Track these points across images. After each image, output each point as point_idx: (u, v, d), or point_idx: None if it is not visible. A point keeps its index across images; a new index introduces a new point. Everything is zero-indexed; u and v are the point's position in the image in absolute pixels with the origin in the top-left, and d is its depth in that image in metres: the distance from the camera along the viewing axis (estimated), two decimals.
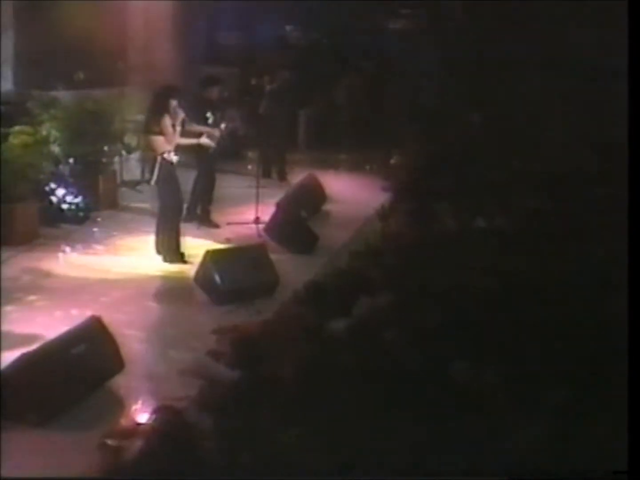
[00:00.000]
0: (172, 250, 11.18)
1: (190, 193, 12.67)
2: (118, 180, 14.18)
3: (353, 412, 6.40)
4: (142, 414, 7.02)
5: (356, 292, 9.36)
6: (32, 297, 9.81)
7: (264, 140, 15.09)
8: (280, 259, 11.02)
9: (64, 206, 12.47)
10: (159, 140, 10.95)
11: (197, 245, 11.47)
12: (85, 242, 11.85)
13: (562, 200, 13.52)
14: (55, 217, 12.30)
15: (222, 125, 12.75)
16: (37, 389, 6.96)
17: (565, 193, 13.96)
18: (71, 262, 11.17)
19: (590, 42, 16.16)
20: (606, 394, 6.86)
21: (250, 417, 6.49)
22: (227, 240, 11.91)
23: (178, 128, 11.09)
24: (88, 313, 8.61)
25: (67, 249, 11.45)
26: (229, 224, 12.81)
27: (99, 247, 11.79)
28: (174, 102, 11.01)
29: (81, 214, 12.64)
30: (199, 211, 12.96)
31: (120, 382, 7.67)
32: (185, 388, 7.58)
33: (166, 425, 6.35)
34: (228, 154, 14.51)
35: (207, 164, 12.85)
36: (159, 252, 11.22)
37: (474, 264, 10.43)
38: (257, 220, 12.60)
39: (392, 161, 16.79)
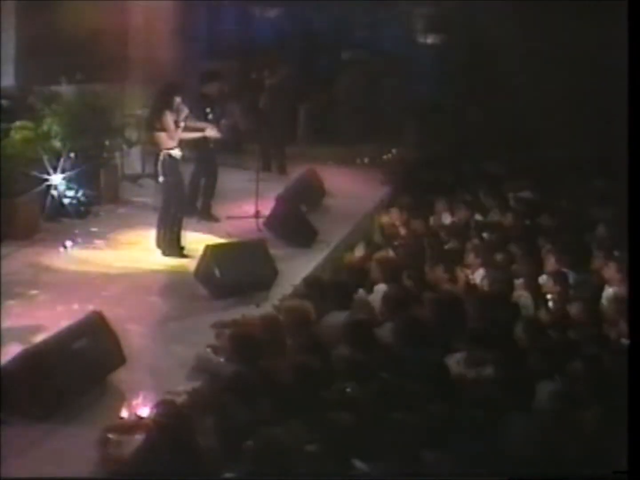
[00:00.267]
0: (172, 244, 11.25)
1: (190, 187, 12.70)
2: (119, 174, 14.19)
3: (352, 405, 6.46)
4: (143, 408, 7.07)
5: (355, 286, 9.44)
6: (33, 292, 9.85)
7: (264, 134, 15.11)
8: (280, 253, 11.06)
9: (65, 200, 12.46)
10: (161, 137, 11.04)
11: (197, 239, 11.52)
12: (86, 236, 11.83)
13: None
14: (56, 211, 12.31)
15: (222, 121, 12.79)
16: (38, 384, 7.03)
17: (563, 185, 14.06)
18: (72, 256, 11.18)
19: (590, 35, 16.19)
20: (606, 394, 6.92)
21: (250, 411, 6.56)
22: (227, 234, 11.94)
23: (182, 124, 11.15)
24: (89, 307, 8.70)
25: (68, 243, 11.45)
26: (229, 218, 12.85)
27: (100, 242, 11.79)
28: (178, 99, 11.08)
29: (82, 208, 12.63)
30: (199, 205, 12.99)
31: (121, 377, 7.73)
32: (186, 382, 7.68)
33: (167, 419, 6.41)
34: (228, 148, 14.54)
35: (209, 159, 12.88)
36: (159, 246, 11.29)
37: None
38: (257, 214, 12.63)
39: (391, 155, 16.81)
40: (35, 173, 11.87)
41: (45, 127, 12.52)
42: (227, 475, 5.87)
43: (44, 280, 10.25)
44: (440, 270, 9.97)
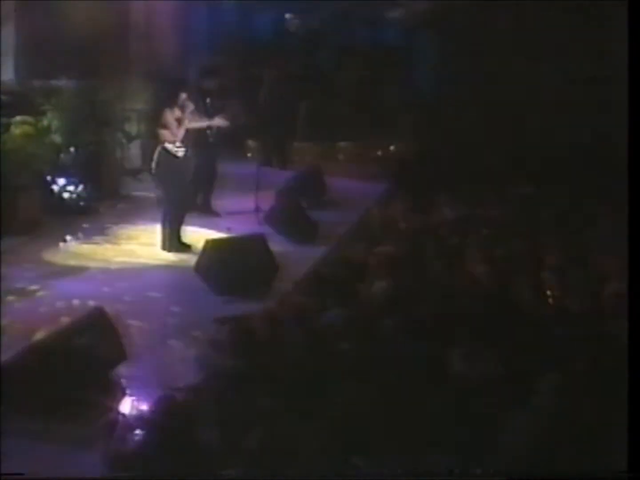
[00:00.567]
0: (173, 240, 11.26)
1: (190, 182, 12.70)
2: (119, 169, 14.20)
3: (352, 400, 6.47)
4: (144, 404, 7.09)
5: (355, 282, 9.45)
6: (33, 287, 9.88)
7: (264, 129, 15.12)
8: (280, 248, 11.07)
9: (65, 195, 12.50)
10: (164, 134, 11.08)
11: (197, 234, 11.53)
12: (86, 231, 11.87)
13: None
14: (56, 206, 12.33)
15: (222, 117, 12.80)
16: (40, 380, 7.04)
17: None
18: (73, 251, 11.21)
19: (590, 28, 16.20)
20: (606, 390, 6.92)
21: (250, 407, 6.57)
22: (228, 230, 11.95)
23: (186, 121, 11.17)
24: (90, 303, 8.72)
25: (69, 238, 11.48)
26: (229, 213, 12.86)
27: (100, 237, 11.81)
28: (183, 95, 11.09)
29: (82, 203, 12.66)
30: (199, 200, 13.00)
31: (122, 372, 7.74)
32: (186, 378, 7.69)
33: (167, 415, 6.43)
34: (228, 143, 14.54)
35: (208, 153, 12.88)
36: (162, 242, 11.30)
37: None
38: (257, 210, 12.64)
39: (391, 150, 16.82)
40: (35, 168, 11.89)
41: (45, 122, 12.54)
42: (227, 471, 5.87)
43: (44, 275, 10.25)
44: (440, 266, 9.98)
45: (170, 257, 11.14)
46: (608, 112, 14.62)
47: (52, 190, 12.41)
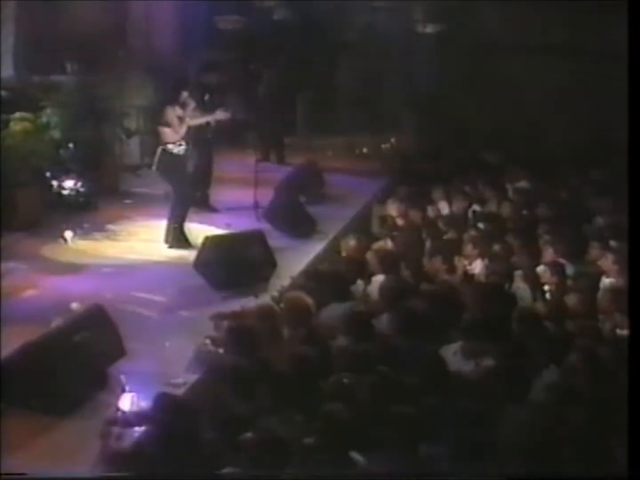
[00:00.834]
0: (175, 236, 11.29)
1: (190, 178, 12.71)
2: (118, 165, 14.20)
3: (350, 397, 6.49)
4: (143, 400, 7.11)
5: (353, 278, 9.47)
6: (32, 283, 9.90)
7: (263, 124, 15.12)
8: (279, 244, 11.08)
9: (65, 192, 12.50)
10: (166, 132, 11.11)
11: (196, 230, 11.55)
12: (85, 227, 11.87)
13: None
14: (55, 202, 12.34)
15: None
16: (39, 376, 7.07)
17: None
18: (72, 248, 11.23)
19: (590, 25, 16.21)
20: (604, 386, 6.94)
21: (249, 403, 6.60)
22: (227, 226, 11.96)
23: (188, 119, 11.20)
24: (89, 299, 8.74)
25: (68, 234, 11.49)
26: (228, 209, 12.87)
27: (99, 233, 11.82)
28: (184, 93, 11.12)
29: (82, 199, 12.66)
30: (198, 196, 13.00)
31: (121, 368, 7.77)
32: (185, 374, 7.73)
33: (166, 411, 6.46)
34: (227, 138, 14.55)
35: (204, 148, 12.87)
36: (166, 236, 11.34)
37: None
38: (255, 205, 12.65)
39: (389, 145, 16.82)
40: (34, 164, 11.90)
41: (44, 118, 12.54)
42: (226, 467, 5.89)
43: (44, 271, 10.27)
44: (438, 261, 9.99)
45: (170, 253, 11.16)
46: (608, 107, 14.63)
47: (51, 186, 12.41)
